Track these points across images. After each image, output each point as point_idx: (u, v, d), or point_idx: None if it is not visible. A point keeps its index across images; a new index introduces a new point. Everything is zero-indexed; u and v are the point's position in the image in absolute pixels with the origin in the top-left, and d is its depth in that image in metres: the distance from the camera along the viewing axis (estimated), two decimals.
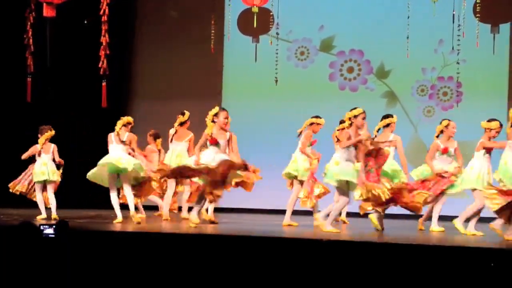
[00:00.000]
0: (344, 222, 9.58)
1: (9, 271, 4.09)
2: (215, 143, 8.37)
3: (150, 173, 8.97)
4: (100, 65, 9.63)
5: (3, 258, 4.13)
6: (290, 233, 8.03)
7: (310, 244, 6.98)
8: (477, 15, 10.03)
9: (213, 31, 11.04)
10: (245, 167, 8.33)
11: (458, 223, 8.33)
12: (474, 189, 8.24)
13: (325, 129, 9.97)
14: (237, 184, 8.45)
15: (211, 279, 6.64)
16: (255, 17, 10.18)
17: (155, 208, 10.36)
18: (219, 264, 6.70)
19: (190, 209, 9.05)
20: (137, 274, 6.72)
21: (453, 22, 9.90)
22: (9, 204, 10.19)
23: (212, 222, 8.85)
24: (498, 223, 8.21)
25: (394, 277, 6.31)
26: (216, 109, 8.55)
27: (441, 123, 8.80)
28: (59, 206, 9.41)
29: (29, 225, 4.38)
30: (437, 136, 8.75)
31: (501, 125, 8.29)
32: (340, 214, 8.83)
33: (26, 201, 9.81)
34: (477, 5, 9.97)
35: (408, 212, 8.70)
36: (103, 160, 8.64)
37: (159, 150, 10.05)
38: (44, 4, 8.93)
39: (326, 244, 6.79)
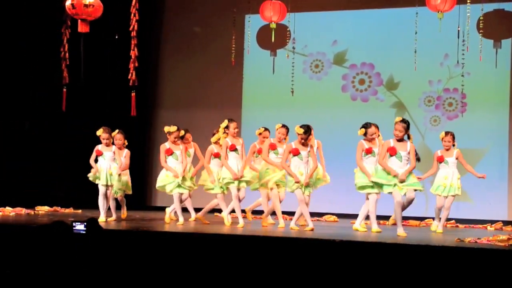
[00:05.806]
0: None
1: (41, 269, 4.06)
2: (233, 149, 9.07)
3: None
4: (129, 77, 10.00)
5: (36, 256, 4.09)
6: (303, 234, 7.94)
7: (324, 244, 6.95)
8: (480, 31, 10.09)
9: (233, 45, 11.25)
10: None
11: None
12: None
13: (339, 137, 10.42)
14: None
15: (222, 279, 6.68)
16: (273, 32, 10.54)
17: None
18: (230, 265, 6.77)
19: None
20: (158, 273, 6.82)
21: (458, 37, 10.05)
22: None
23: None
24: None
25: (403, 278, 6.35)
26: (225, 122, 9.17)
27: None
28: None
29: (61, 224, 4.21)
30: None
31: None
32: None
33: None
34: (481, 22, 10.05)
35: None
36: None
37: None
38: (79, 20, 9.28)
39: (340, 244, 6.83)
